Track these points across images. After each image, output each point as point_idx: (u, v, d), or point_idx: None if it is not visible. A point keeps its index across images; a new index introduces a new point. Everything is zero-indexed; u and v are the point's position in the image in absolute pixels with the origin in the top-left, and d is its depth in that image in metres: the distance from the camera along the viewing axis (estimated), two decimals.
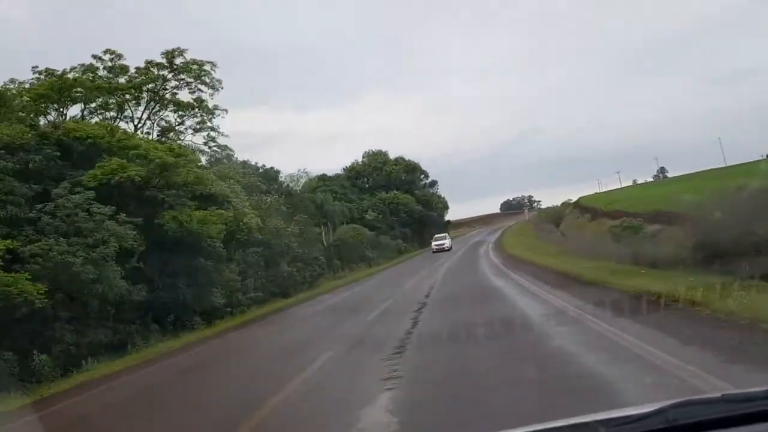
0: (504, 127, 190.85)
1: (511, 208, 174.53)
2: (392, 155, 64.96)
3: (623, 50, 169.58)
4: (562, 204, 71.50)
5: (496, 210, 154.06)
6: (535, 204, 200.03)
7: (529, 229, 61.01)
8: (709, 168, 48.84)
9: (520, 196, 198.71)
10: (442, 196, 71.46)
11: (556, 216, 62.15)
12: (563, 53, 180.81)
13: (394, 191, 60.08)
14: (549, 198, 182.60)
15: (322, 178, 55.70)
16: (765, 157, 31.39)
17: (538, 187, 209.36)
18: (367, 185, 62.19)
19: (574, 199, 64.19)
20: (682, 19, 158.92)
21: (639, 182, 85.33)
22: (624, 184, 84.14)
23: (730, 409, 1.85)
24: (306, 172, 50.12)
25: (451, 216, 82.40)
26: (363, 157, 65.05)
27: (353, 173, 63.10)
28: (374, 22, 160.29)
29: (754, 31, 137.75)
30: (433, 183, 71.62)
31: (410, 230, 60.55)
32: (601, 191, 73.58)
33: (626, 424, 1.85)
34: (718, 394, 1.95)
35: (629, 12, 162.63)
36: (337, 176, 60.49)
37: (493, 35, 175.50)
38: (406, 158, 66.41)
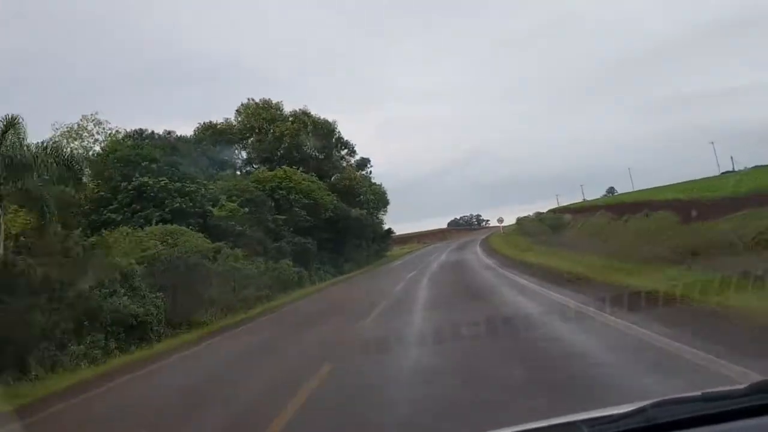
0: (451, 149, 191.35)
1: (459, 226, 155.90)
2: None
3: (567, 78, 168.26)
4: (548, 211, 60.63)
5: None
6: (483, 223, 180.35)
7: (521, 239, 41.60)
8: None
9: (468, 214, 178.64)
10: (379, 184, 44.43)
11: (548, 223, 49.17)
12: (510, 80, 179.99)
13: (285, 167, 30.89)
14: (496, 217, 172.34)
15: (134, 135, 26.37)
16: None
17: (483, 207, 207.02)
18: (236, 159, 32.84)
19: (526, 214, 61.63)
20: (621, 51, 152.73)
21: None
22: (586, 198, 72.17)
23: (709, 407, 1.86)
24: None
25: (396, 229, 60.64)
26: (238, 114, 35.27)
27: (210, 135, 32.92)
28: (324, 41, 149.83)
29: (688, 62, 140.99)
30: (364, 162, 42.90)
31: (317, 242, 31.69)
32: (562, 205, 65.42)
33: (608, 424, 1.88)
34: (697, 393, 1.93)
35: (573, 44, 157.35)
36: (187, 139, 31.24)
37: (441, 61, 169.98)
38: (313, 114, 36.43)
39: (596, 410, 2.02)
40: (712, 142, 69.55)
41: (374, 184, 43.46)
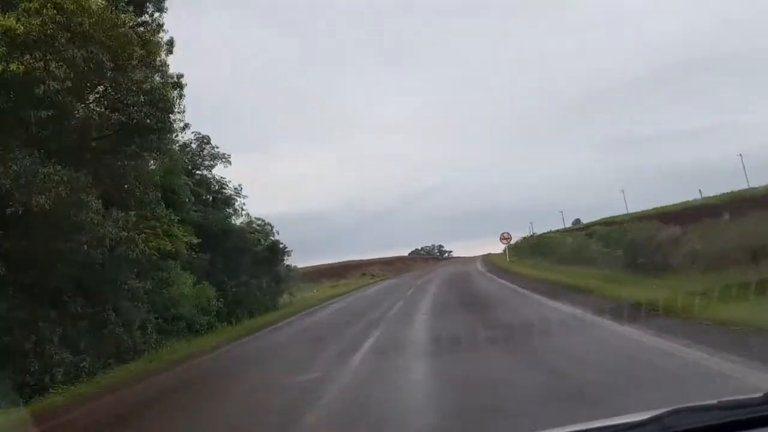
0: (414, 181, 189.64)
1: (421, 255, 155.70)
2: None
3: (531, 112, 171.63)
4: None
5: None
6: (446, 254, 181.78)
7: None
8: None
9: (429, 245, 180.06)
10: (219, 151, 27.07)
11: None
12: (473, 115, 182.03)
13: None
14: (459, 249, 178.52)
15: None
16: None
17: (444, 239, 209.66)
18: None
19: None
20: (583, 89, 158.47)
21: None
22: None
23: (725, 416, 1.85)
24: None
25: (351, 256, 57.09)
26: None
27: None
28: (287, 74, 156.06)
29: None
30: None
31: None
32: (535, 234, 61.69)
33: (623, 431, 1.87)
34: (714, 401, 1.92)
35: (535, 82, 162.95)
36: None
37: (405, 94, 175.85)
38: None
39: (611, 418, 2.00)
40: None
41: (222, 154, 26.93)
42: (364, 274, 62.76)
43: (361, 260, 71.23)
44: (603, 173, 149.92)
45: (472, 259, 65.62)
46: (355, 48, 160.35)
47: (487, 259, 53.24)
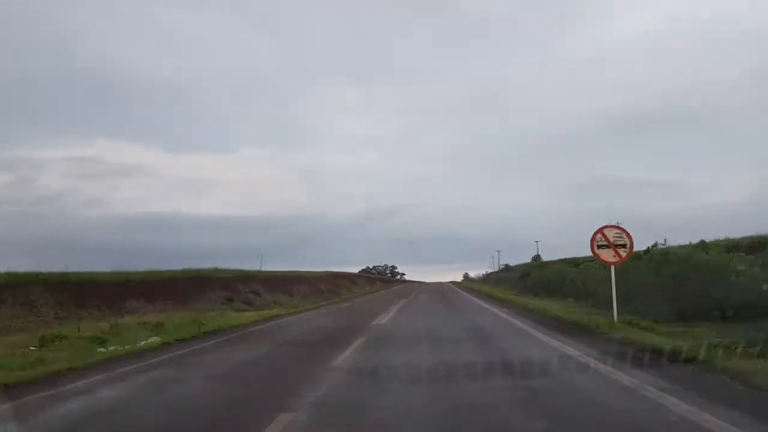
0: (373, 200, 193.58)
1: (371, 275, 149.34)
2: None
3: (493, 151, 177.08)
4: None
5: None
6: (399, 276, 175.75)
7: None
8: None
9: (382, 264, 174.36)
10: None
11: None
12: (442, 143, 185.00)
13: None
14: (412, 273, 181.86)
15: None
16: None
17: (399, 261, 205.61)
18: None
19: None
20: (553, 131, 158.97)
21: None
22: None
23: None
24: None
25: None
26: None
27: None
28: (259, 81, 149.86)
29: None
30: None
31: None
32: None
33: None
34: None
35: (503, 119, 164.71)
36: None
37: (374, 115, 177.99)
38: None
39: None
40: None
41: None
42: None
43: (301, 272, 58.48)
44: (563, 213, 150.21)
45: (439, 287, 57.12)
46: (330, 59, 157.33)
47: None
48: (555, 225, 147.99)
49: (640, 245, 17.07)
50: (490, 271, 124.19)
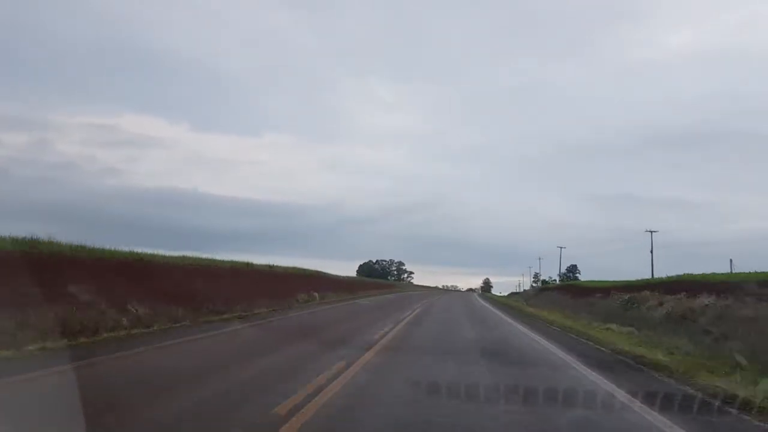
0: (392, 196, 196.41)
1: (373, 272, 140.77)
2: None
3: (530, 152, 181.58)
4: None
5: (352, 273, 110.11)
6: (405, 275, 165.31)
7: None
8: None
9: (387, 259, 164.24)
10: None
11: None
12: (472, 144, 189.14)
13: None
14: (422, 274, 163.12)
15: None
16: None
17: (408, 259, 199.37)
18: None
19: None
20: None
21: None
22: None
23: None
24: None
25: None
26: None
27: None
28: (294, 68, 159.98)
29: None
30: None
31: None
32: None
33: None
34: None
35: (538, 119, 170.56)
36: None
37: (405, 111, 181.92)
38: None
39: None
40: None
41: None
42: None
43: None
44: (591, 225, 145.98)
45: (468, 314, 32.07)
46: (366, 51, 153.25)
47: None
48: (585, 237, 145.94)
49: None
50: (517, 279, 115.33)
